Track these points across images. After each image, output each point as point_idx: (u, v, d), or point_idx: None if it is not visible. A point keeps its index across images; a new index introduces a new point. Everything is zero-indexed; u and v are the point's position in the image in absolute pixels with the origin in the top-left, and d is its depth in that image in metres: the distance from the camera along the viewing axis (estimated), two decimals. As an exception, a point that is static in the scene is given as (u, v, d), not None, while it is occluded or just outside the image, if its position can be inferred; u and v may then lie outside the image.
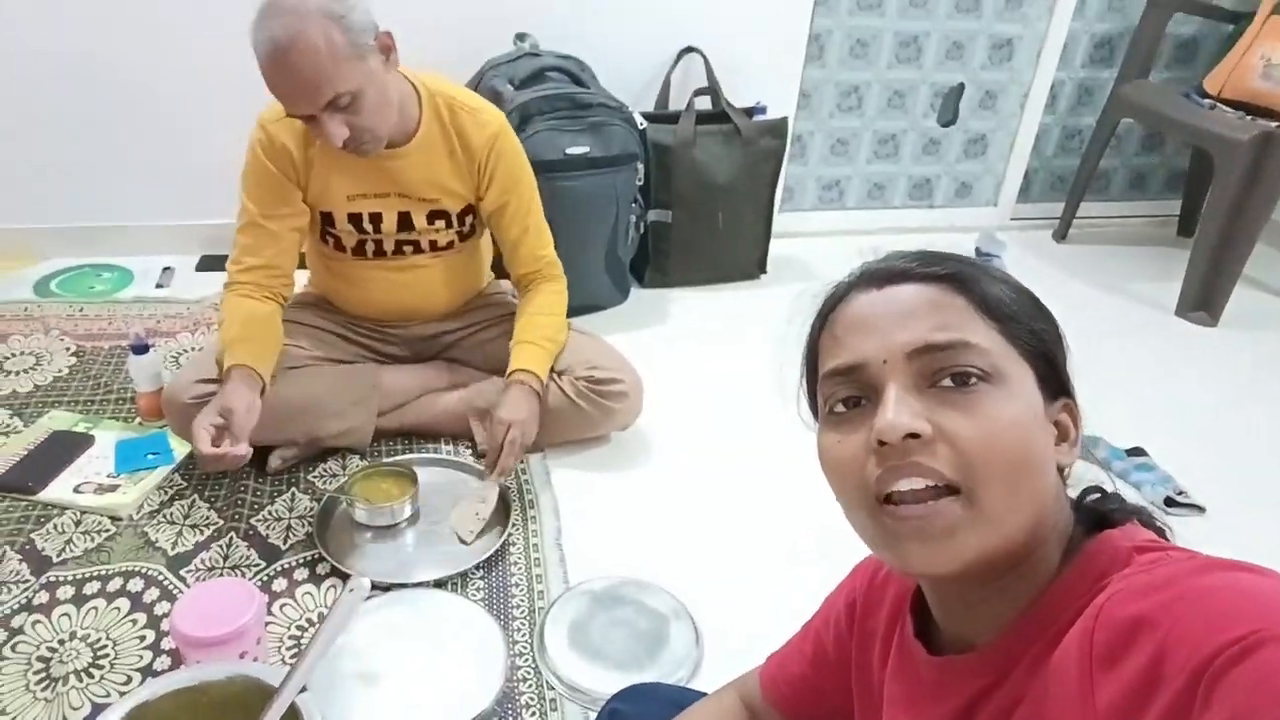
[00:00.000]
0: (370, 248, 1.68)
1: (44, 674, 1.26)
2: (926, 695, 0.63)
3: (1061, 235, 3.14)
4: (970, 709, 0.58)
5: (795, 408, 0.70)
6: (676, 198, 2.44)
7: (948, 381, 0.54)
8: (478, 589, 1.48)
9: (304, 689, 1.06)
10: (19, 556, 1.45)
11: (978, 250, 2.80)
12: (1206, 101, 2.68)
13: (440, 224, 1.68)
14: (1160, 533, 0.59)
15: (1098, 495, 0.62)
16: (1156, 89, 2.86)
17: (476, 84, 2.30)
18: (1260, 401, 2.23)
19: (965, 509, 0.52)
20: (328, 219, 1.64)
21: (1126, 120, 2.92)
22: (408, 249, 1.70)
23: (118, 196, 2.40)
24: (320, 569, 1.49)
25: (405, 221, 1.65)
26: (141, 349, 1.73)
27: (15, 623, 1.33)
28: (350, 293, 1.77)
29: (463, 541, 1.56)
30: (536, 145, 2.12)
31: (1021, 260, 2.87)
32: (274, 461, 1.68)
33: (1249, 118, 2.54)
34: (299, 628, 1.37)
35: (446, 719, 1.21)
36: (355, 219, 1.64)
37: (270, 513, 1.60)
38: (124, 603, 1.39)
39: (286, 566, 1.49)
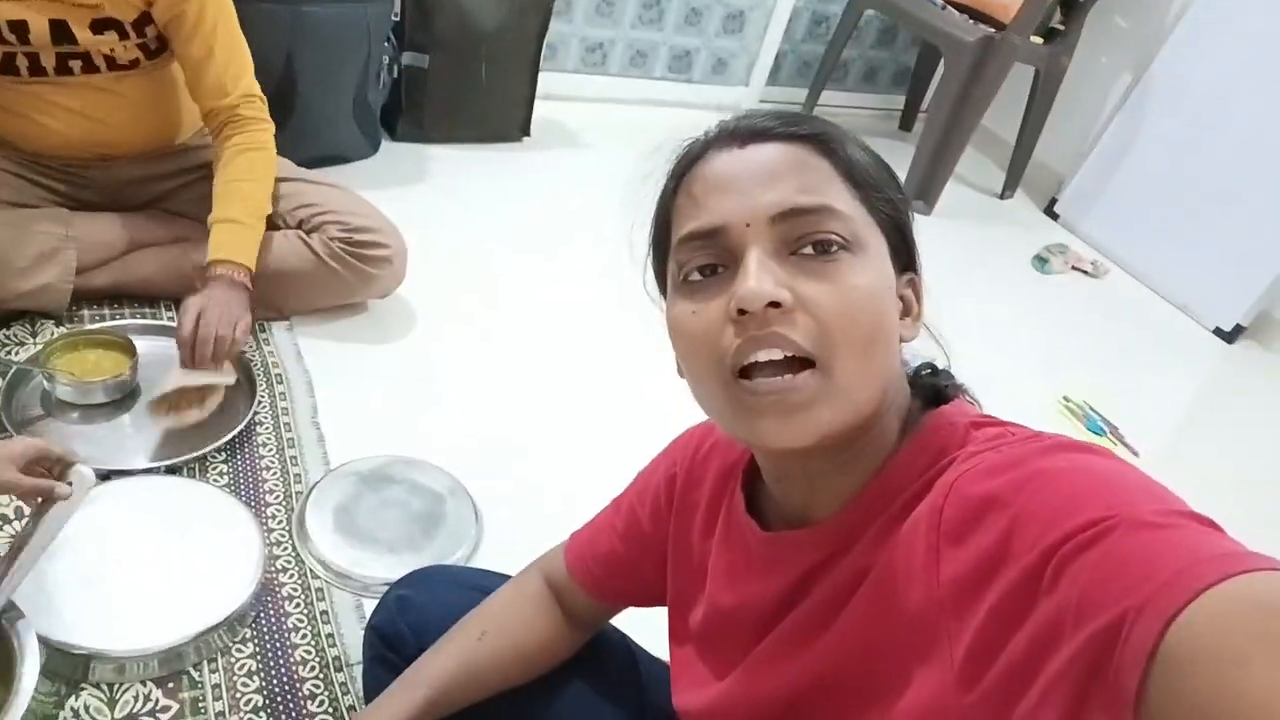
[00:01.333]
0: (24, 65, 1.33)
1: None
2: (757, 570, 0.62)
3: (803, 121, 3.28)
4: (805, 582, 0.58)
5: (641, 277, 0.65)
6: (435, 41, 2.21)
7: (809, 249, 0.52)
8: (220, 474, 1.31)
9: (11, 607, 0.88)
10: None
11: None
12: (939, 1, 2.87)
13: (112, 34, 1.35)
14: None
15: (929, 371, 0.63)
16: (898, -16, 3.00)
17: None
18: (969, 279, 2.52)
19: (820, 381, 0.51)
20: None
21: (869, 12, 3.06)
22: (76, 65, 1.36)
23: None
24: (13, 457, 1.23)
25: (63, 32, 1.31)
26: None
27: None
28: (14, 124, 1.41)
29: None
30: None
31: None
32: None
33: (973, 21, 2.75)
34: (-11, 528, 1.13)
35: (197, 619, 1.07)
36: None
37: (-68, 390, 1.29)
38: None
39: (-38, 455, 1.21)
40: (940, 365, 0.64)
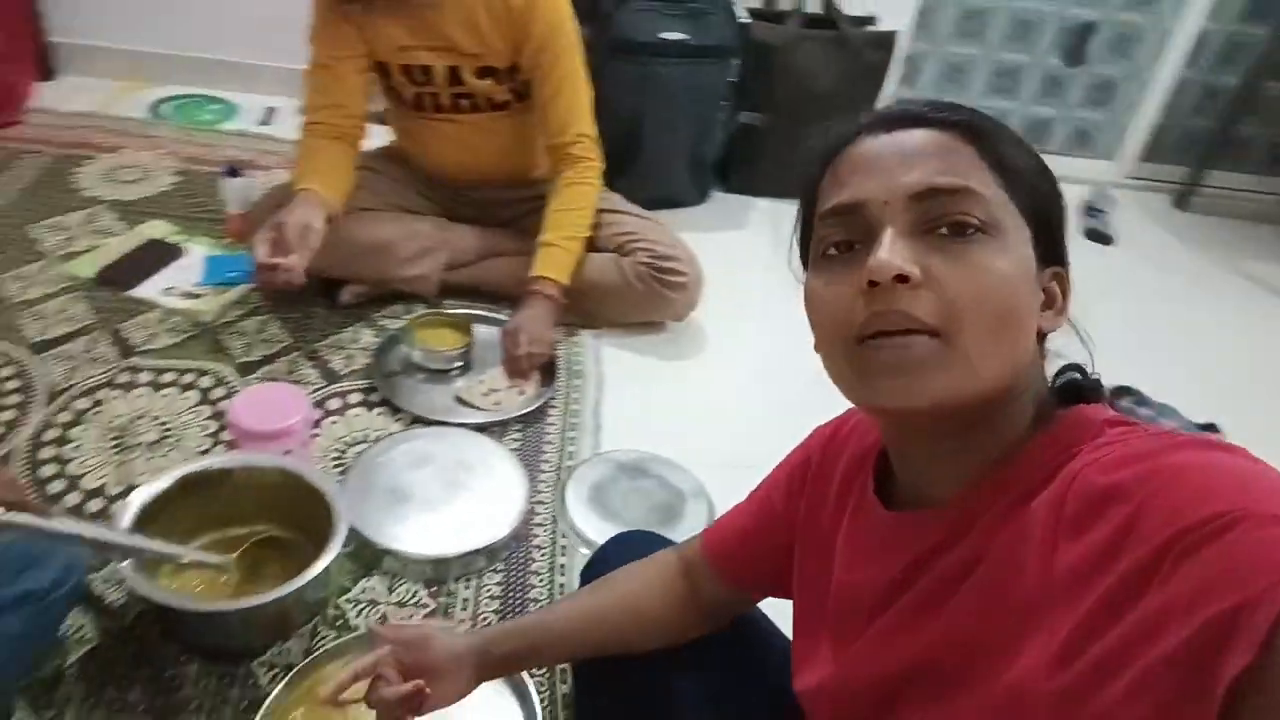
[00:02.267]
0: (429, 102, 1.71)
1: (118, 442, 1.40)
2: (879, 549, 0.63)
3: (1184, 202, 2.96)
4: (922, 563, 0.59)
5: (787, 255, 0.68)
6: (771, 102, 2.40)
7: (945, 230, 0.53)
8: (514, 439, 1.56)
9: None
10: (109, 340, 1.60)
11: (1088, 206, 2.68)
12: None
13: (491, 80, 1.68)
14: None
15: (1076, 373, 0.61)
16: (1314, 53, 2.63)
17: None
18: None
19: (941, 348, 0.52)
20: (384, 70, 1.69)
21: (1274, 83, 2.71)
22: (464, 104, 1.72)
23: (231, 33, 2.48)
24: (373, 398, 1.59)
25: (455, 76, 1.67)
26: (234, 173, 1.83)
27: (98, 395, 1.48)
28: (418, 149, 1.82)
29: (471, 405, 1.61)
30: (630, 25, 2.12)
31: (1134, 223, 2.73)
32: (345, 295, 1.78)
33: None
34: (345, 443, 1.48)
35: (463, 540, 1.30)
36: (407, 70, 1.67)
37: (336, 341, 1.71)
38: (194, 394, 1.52)
39: (342, 390, 1.59)
40: (1088, 368, 0.62)
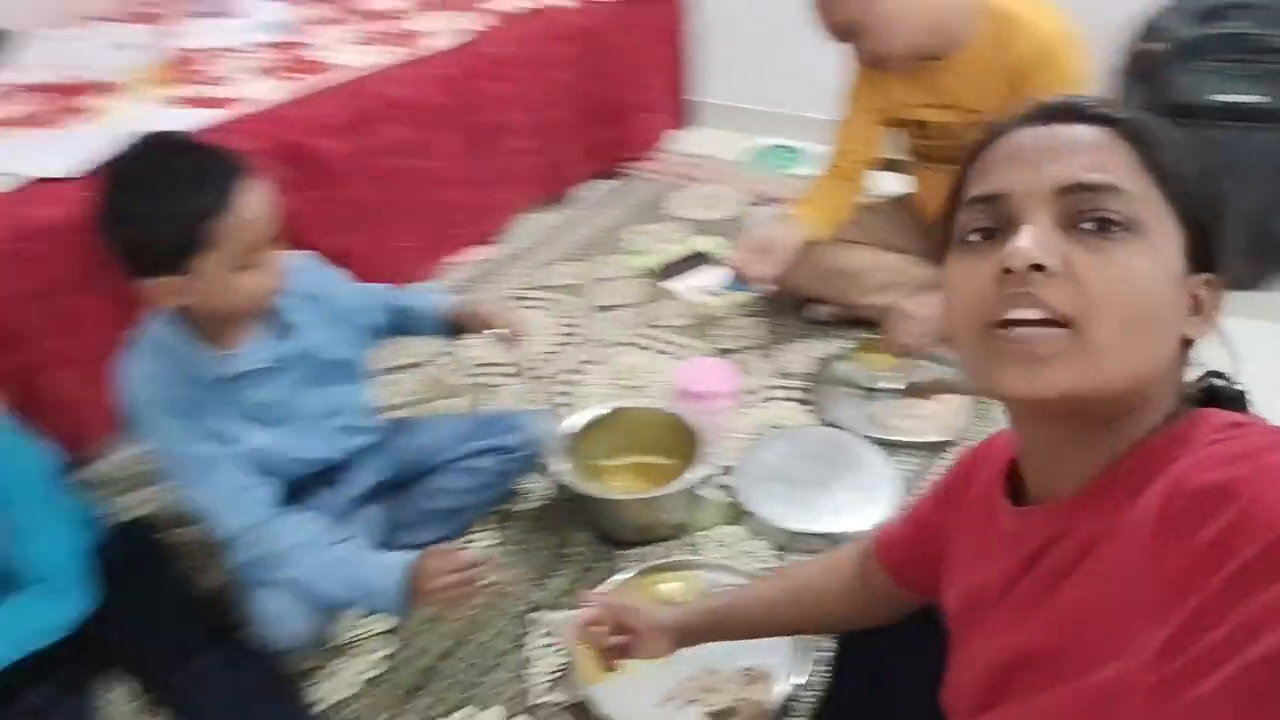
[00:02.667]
0: (929, 152, 1.86)
1: (614, 382, 1.91)
2: (1002, 546, 0.65)
3: None
4: (1037, 557, 0.60)
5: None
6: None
7: (1089, 225, 0.54)
8: (906, 462, 1.65)
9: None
10: (640, 314, 2.15)
11: None
12: None
13: None
14: None
15: (1220, 380, 0.59)
16: None
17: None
18: None
19: (1072, 340, 0.52)
20: (895, 124, 1.88)
21: None
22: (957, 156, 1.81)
23: (815, 94, 2.90)
24: (803, 397, 1.83)
25: (950, 130, 1.78)
26: (763, 205, 2.23)
27: (617, 349, 2.02)
28: (920, 194, 1.99)
29: (880, 424, 1.73)
30: (1190, 86, 1.98)
31: None
32: (814, 311, 2.05)
33: None
34: (765, 424, 1.75)
35: (820, 522, 1.49)
36: (912, 124, 1.84)
37: (794, 347, 1.99)
38: (677, 362, 1.94)
39: (783, 385, 1.88)
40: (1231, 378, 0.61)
